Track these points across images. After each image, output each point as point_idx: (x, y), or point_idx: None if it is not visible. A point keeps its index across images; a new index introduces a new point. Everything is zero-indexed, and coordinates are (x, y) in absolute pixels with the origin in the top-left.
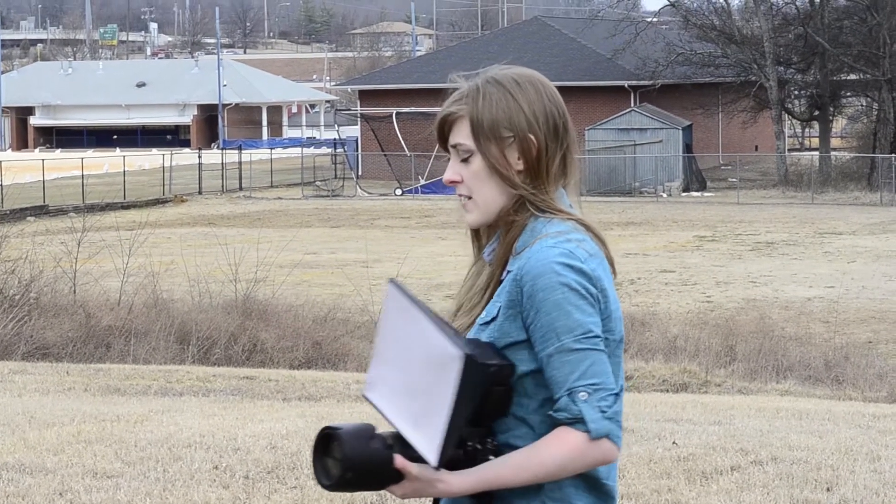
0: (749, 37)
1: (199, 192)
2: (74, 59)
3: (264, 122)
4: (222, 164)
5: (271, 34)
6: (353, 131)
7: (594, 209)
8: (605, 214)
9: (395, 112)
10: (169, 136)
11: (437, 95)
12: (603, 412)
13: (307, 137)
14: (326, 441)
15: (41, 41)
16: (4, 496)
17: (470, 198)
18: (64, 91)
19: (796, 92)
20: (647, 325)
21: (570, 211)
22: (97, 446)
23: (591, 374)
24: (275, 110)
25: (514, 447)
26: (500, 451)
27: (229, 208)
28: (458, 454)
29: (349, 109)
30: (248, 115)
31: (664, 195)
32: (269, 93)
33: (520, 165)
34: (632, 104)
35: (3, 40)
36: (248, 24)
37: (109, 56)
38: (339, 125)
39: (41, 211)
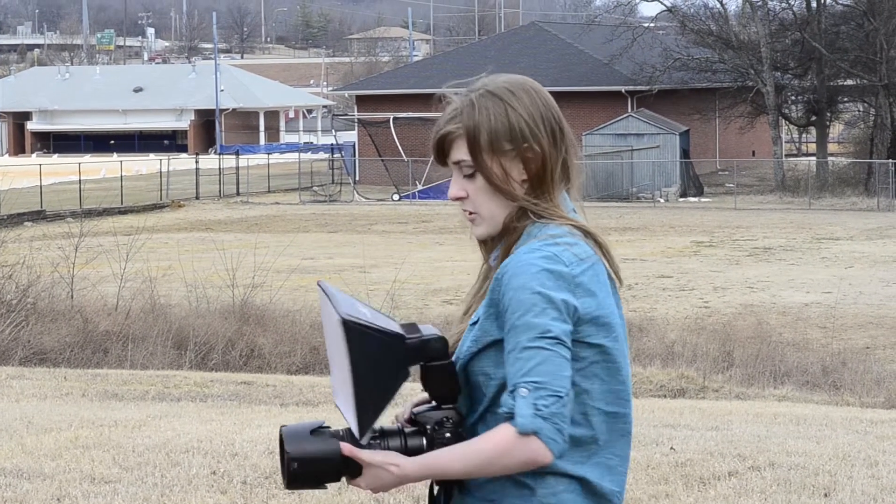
0: (746, 42)
1: (197, 198)
2: (71, 65)
3: (261, 128)
4: (219, 169)
5: (268, 39)
6: (351, 136)
7: (592, 214)
8: (603, 220)
9: (392, 117)
10: (166, 141)
11: (435, 100)
12: (537, 410)
13: (304, 142)
14: (281, 442)
15: (38, 46)
16: (2, 501)
17: (475, 212)
18: (61, 96)
19: (793, 97)
20: (645, 330)
21: (569, 216)
22: (95, 452)
23: (536, 373)
24: (272, 115)
25: None
26: (462, 437)
27: (226, 213)
28: (419, 441)
29: (346, 114)
30: (245, 121)
31: (661, 200)
32: (266, 98)
33: (524, 175)
34: (629, 109)
35: (0, 45)
36: (245, 29)
37: (106, 61)
38: (336, 130)
39: (38, 216)
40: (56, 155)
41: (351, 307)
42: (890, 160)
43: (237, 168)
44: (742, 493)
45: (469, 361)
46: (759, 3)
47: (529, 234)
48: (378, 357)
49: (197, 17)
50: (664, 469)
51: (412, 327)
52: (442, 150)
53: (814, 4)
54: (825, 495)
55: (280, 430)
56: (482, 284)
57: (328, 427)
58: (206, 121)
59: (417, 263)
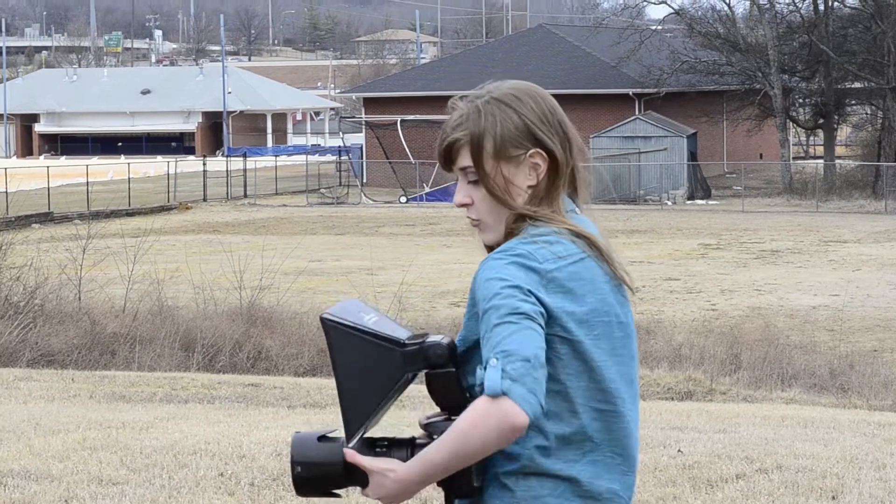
0: (754, 45)
1: (204, 200)
2: (79, 67)
3: (269, 130)
4: (227, 171)
5: (276, 42)
6: (358, 139)
7: (598, 217)
8: (610, 222)
9: (399, 120)
10: (174, 144)
11: (442, 103)
12: (505, 373)
13: (312, 145)
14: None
15: (46, 48)
16: (10, 503)
17: (481, 219)
18: (69, 98)
19: (801, 100)
20: (652, 332)
21: (561, 218)
22: (102, 453)
23: (504, 344)
24: (279, 118)
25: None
26: None
27: (234, 215)
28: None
29: (354, 117)
30: (252, 123)
31: (669, 203)
32: (273, 100)
33: (532, 181)
34: (636, 112)
35: (7, 47)
36: (252, 31)
37: (114, 63)
38: (343, 133)
39: (46, 218)
40: (63, 157)
41: (350, 310)
42: None
43: (244, 170)
44: (749, 495)
45: (460, 363)
46: (767, 6)
47: (520, 235)
48: (364, 360)
49: (204, 19)
50: (671, 471)
51: (420, 336)
52: (449, 157)
53: (821, 7)
54: (833, 498)
55: (292, 436)
56: None
57: (340, 437)
58: (213, 123)
59: (425, 266)
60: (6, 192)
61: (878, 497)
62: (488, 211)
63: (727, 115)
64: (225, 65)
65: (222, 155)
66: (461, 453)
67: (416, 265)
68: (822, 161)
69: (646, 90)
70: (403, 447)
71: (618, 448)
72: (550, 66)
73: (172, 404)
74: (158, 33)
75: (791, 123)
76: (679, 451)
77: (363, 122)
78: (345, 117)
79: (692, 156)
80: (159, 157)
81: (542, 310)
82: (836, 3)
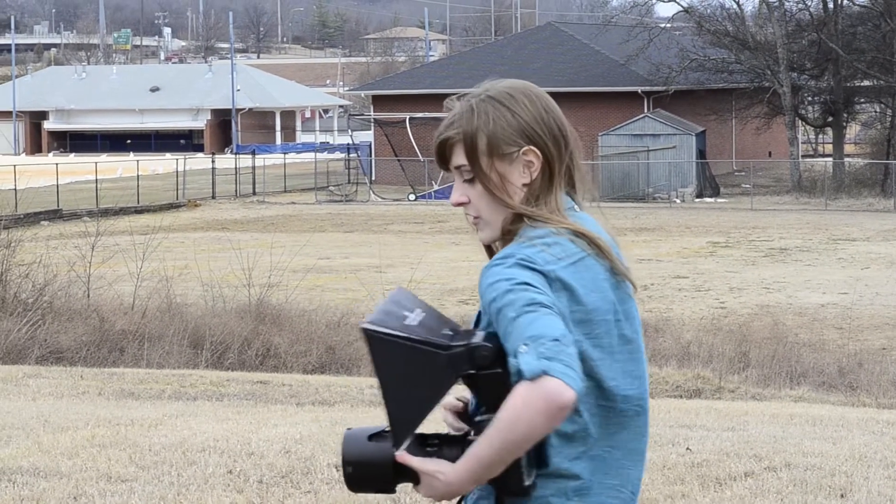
0: (763, 43)
1: (213, 197)
2: (88, 64)
3: (278, 127)
4: (236, 168)
5: (285, 39)
6: (367, 136)
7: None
8: (619, 220)
9: (408, 117)
10: (182, 141)
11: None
12: (539, 354)
13: (321, 142)
14: None
15: (55, 46)
16: (19, 500)
17: (478, 217)
18: (78, 95)
19: (810, 98)
20: (661, 330)
21: (562, 216)
22: (111, 450)
23: (530, 331)
24: (288, 115)
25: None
26: None
27: (243, 213)
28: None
29: (362, 114)
30: (261, 120)
31: (677, 201)
32: (282, 98)
33: (525, 179)
34: (645, 110)
35: (17, 45)
36: (261, 28)
37: (123, 61)
38: (352, 130)
39: (55, 215)
40: (73, 154)
41: (392, 311)
42: None
43: (253, 168)
44: (758, 493)
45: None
46: (776, 4)
47: (518, 238)
48: (408, 368)
49: (213, 16)
50: (680, 469)
51: (465, 334)
52: (443, 156)
53: (830, 5)
54: (841, 496)
55: (344, 433)
56: None
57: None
58: (222, 120)
59: (433, 263)
60: (15, 189)
61: (886, 495)
62: (485, 207)
63: (736, 113)
64: (234, 62)
65: (231, 152)
66: (509, 444)
67: (424, 263)
68: (830, 159)
69: (655, 88)
70: (456, 445)
71: (617, 441)
72: (559, 63)
73: (181, 401)
74: (167, 31)
75: (800, 121)
76: (688, 448)
77: (372, 120)
78: (354, 115)
79: (701, 154)
80: (168, 155)
81: (554, 299)
82: (845, 1)
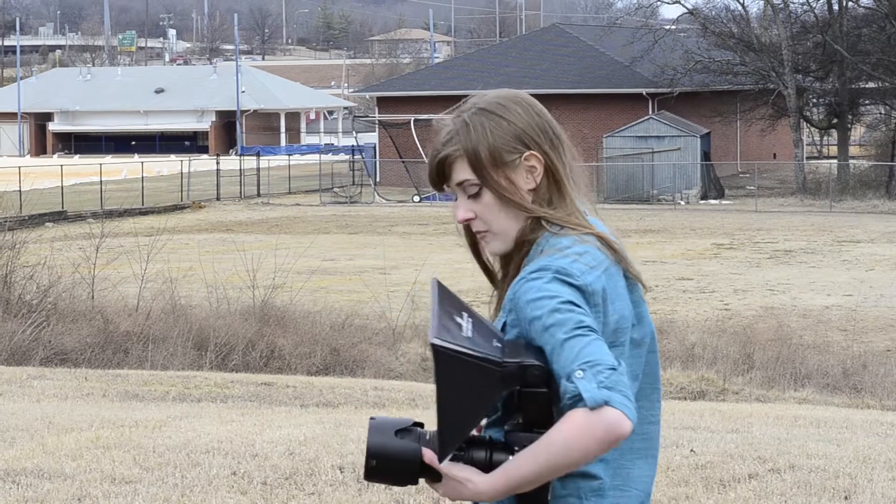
0: (767, 45)
1: (217, 199)
2: (93, 66)
3: (282, 129)
4: (240, 170)
5: (289, 41)
6: (371, 138)
7: (612, 217)
8: (623, 222)
9: (412, 119)
10: (187, 142)
11: (456, 102)
12: (599, 382)
13: (325, 144)
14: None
15: (60, 47)
16: (23, 501)
17: (487, 230)
18: (82, 97)
19: (815, 100)
20: (665, 332)
21: (583, 222)
22: (115, 452)
23: (584, 355)
24: (293, 117)
25: None
26: None
27: (247, 214)
28: (504, 458)
29: (367, 116)
30: (266, 122)
31: (682, 203)
32: (287, 99)
33: (531, 184)
34: (650, 112)
35: (21, 46)
36: (266, 30)
37: (128, 62)
38: (356, 132)
39: (59, 217)
40: (77, 156)
41: (448, 320)
42: None
43: (258, 169)
44: (762, 495)
45: None
46: (781, 6)
47: (538, 246)
48: (468, 383)
49: (218, 18)
50: (684, 471)
51: (515, 348)
52: (442, 174)
53: (836, 7)
54: (845, 498)
55: (369, 422)
56: (501, 293)
57: (418, 426)
58: (226, 122)
59: (438, 265)
60: (20, 190)
61: (890, 497)
62: (497, 218)
63: (741, 115)
64: (238, 64)
65: (236, 154)
66: (555, 466)
67: (429, 264)
68: (835, 161)
69: (659, 90)
70: (482, 448)
71: (631, 442)
72: (564, 65)
73: (185, 403)
74: (172, 32)
75: (805, 123)
76: (692, 450)
77: (376, 122)
78: (358, 116)
79: (705, 155)
80: (173, 156)
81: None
82: (850, 3)
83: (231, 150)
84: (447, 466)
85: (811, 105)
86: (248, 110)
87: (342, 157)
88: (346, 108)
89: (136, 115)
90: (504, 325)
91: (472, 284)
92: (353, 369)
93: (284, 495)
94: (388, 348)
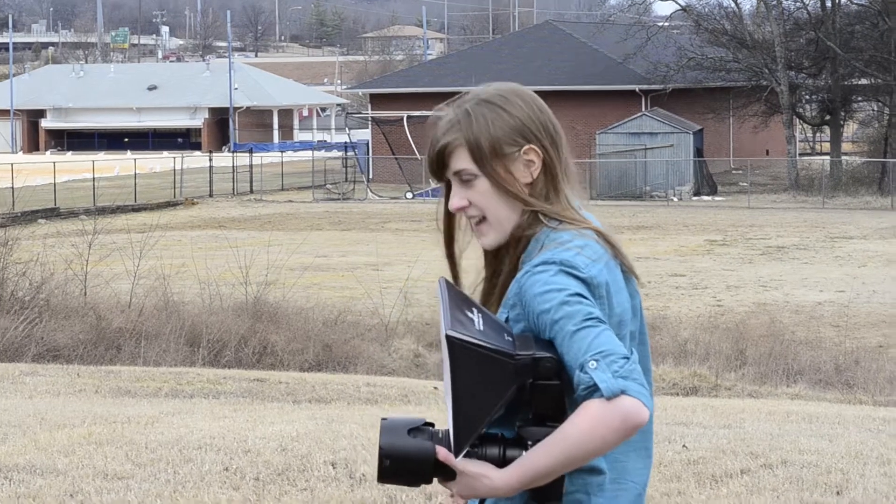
0: (760, 41)
1: (210, 195)
2: (86, 62)
3: (275, 126)
4: (233, 167)
5: (282, 38)
6: (364, 135)
7: (605, 213)
8: (616, 218)
9: (406, 115)
10: (180, 139)
11: (449, 99)
12: (614, 372)
13: (318, 141)
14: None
15: (53, 44)
16: (15, 497)
17: (483, 219)
18: (75, 94)
19: (807, 96)
20: (658, 328)
21: (580, 217)
22: (108, 448)
23: (596, 346)
24: (286, 114)
25: None
26: None
27: (240, 211)
28: (518, 454)
29: (360, 113)
30: (259, 119)
31: (675, 199)
32: (280, 96)
33: (528, 177)
34: (643, 108)
35: (14, 43)
36: (259, 27)
37: (121, 59)
38: (349, 128)
39: (52, 213)
40: (70, 152)
41: (460, 314)
42: None
43: (251, 166)
44: (754, 490)
45: None
46: (774, 3)
47: (537, 241)
48: (482, 375)
49: (211, 15)
50: (676, 467)
51: (525, 342)
52: (442, 162)
53: (828, 4)
54: (837, 493)
55: (380, 422)
56: (490, 289)
57: (429, 426)
58: (219, 119)
59: (430, 262)
60: (13, 187)
61: (882, 492)
62: (495, 206)
63: (733, 112)
64: (231, 61)
65: (228, 151)
66: (573, 458)
67: (421, 261)
68: (828, 157)
69: (652, 87)
70: (495, 444)
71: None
72: (557, 62)
73: (178, 399)
74: (165, 29)
75: (797, 120)
76: (684, 446)
77: (369, 118)
78: (351, 113)
79: (698, 152)
80: (165, 153)
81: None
82: (843, 0)
83: (224, 147)
84: (462, 463)
85: (804, 102)
86: (241, 107)
87: (335, 153)
88: (339, 104)
89: (129, 111)
90: (507, 320)
91: (464, 280)
92: (345, 365)
93: (277, 491)
94: (381, 344)
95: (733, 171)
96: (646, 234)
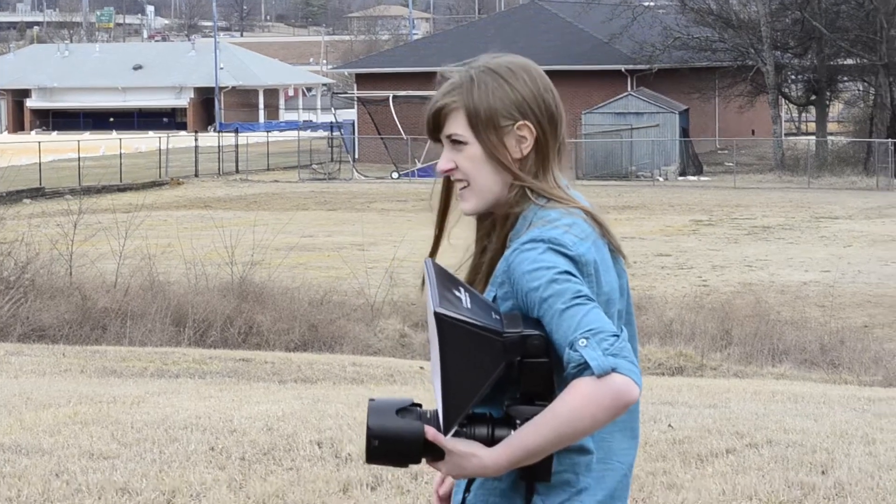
0: (746, 21)
1: (196, 175)
2: (71, 42)
3: (261, 106)
4: (219, 146)
5: (268, 17)
6: (350, 115)
7: (590, 193)
8: (602, 198)
9: (391, 95)
10: (165, 119)
11: (434, 79)
12: (604, 350)
13: (304, 121)
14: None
15: (38, 24)
16: (1, 477)
17: (467, 185)
18: (60, 74)
19: (793, 76)
20: (644, 308)
21: (567, 195)
22: (93, 427)
23: (585, 323)
24: (271, 93)
25: None
26: None
27: (225, 191)
28: (506, 433)
29: (346, 93)
30: (244, 98)
31: (661, 179)
32: (265, 76)
33: (518, 153)
34: (629, 88)
35: None
36: (245, 7)
37: (106, 39)
38: (335, 108)
39: (37, 193)
40: (55, 132)
41: (448, 293)
42: (889, 139)
43: (236, 146)
44: (740, 470)
45: None
46: None
47: (525, 219)
48: (471, 353)
49: None
50: (662, 446)
51: (512, 320)
52: (437, 123)
53: None
54: (823, 472)
55: (368, 403)
56: (477, 267)
57: (417, 406)
58: (205, 98)
59: (416, 241)
60: None
61: (867, 471)
62: (481, 173)
63: (719, 92)
64: (217, 40)
65: (214, 130)
66: (563, 436)
67: (407, 241)
68: (814, 137)
69: (638, 66)
70: (483, 424)
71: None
72: (543, 41)
73: (163, 379)
74: (150, 9)
75: (783, 100)
76: (669, 425)
77: (355, 98)
78: (337, 93)
79: (684, 132)
80: (151, 133)
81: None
82: None
83: (209, 127)
84: (451, 442)
85: (789, 81)
86: (227, 87)
87: (321, 133)
88: (324, 84)
89: (115, 91)
90: (494, 298)
91: (451, 260)
92: (331, 345)
93: (262, 470)
94: (367, 324)
95: (719, 151)
96: (631, 213)
